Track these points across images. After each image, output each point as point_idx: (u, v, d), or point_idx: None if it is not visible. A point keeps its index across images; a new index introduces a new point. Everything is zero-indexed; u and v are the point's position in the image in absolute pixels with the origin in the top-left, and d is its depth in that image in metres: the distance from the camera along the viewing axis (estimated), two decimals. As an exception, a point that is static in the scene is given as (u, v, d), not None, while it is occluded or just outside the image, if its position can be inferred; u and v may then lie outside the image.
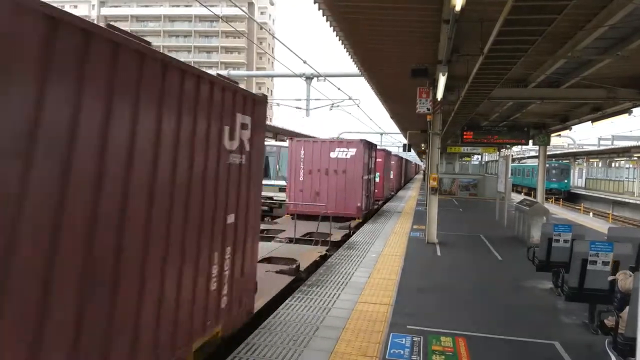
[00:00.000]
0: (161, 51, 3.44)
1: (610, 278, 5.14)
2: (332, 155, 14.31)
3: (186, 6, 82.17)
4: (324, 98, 26.08)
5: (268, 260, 8.33)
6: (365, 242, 11.14)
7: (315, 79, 24.11)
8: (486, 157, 37.52)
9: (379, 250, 10.26)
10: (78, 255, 2.59)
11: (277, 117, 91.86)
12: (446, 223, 13.88)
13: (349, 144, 14.40)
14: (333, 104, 26.19)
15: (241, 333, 5.15)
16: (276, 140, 23.31)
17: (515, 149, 54.24)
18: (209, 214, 4.06)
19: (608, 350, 4.25)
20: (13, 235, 2.20)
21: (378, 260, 9.24)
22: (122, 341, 3.01)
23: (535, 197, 22.22)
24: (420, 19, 7.97)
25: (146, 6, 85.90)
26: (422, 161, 68.51)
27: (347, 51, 10.41)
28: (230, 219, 4.48)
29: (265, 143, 12.99)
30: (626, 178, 35.12)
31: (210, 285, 4.16)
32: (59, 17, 2.42)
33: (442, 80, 9.47)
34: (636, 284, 3.80)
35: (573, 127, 18.70)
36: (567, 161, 46.19)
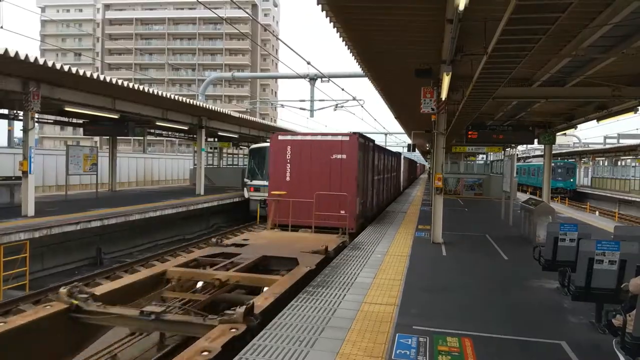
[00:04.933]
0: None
1: (623, 285, 5.10)
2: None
3: (190, 9, 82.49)
4: (328, 99, 26.17)
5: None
6: (370, 242, 11.13)
7: (319, 79, 24.17)
8: (491, 157, 37.41)
9: (384, 250, 10.25)
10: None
11: (282, 118, 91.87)
12: (451, 223, 13.85)
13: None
14: (337, 104, 26.23)
15: (245, 334, 5.17)
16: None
17: (521, 148, 54.11)
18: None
19: (616, 350, 4.23)
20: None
21: (383, 260, 9.23)
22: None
23: (541, 196, 22.13)
24: (424, 19, 7.96)
25: (150, 9, 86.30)
26: (426, 161, 67.75)
27: (350, 52, 10.42)
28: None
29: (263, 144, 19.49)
30: (632, 176, 34.90)
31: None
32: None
33: (446, 80, 9.45)
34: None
35: (578, 125, 18.61)
36: (573, 160, 45.97)
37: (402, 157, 32.48)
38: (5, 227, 11.14)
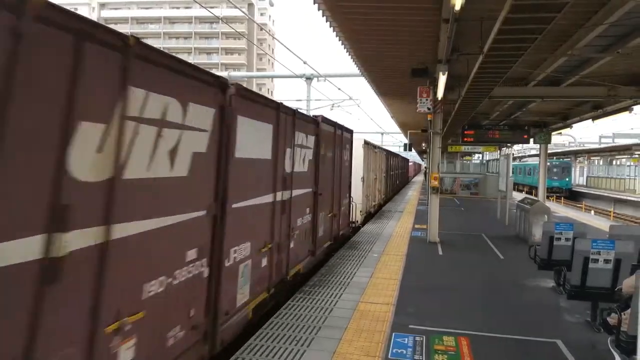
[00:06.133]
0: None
1: (617, 289, 5.13)
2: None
3: (186, 8, 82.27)
4: (324, 98, 26.12)
5: None
6: (366, 242, 11.14)
7: (316, 79, 24.14)
8: (487, 156, 37.50)
9: (380, 249, 10.26)
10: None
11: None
12: (448, 222, 13.87)
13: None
14: (334, 104, 26.22)
15: (244, 334, 5.15)
16: None
17: (516, 147, 54.27)
18: None
19: (611, 349, 4.25)
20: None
21: (380, 259, 9.24)
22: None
23: (536, 195, 22.20)
24: (420, 19, 7.97)
25: (146, 8, 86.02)
26: (423, 160, 67.46)
27: (347, 51, 10.42)
28: None
29: None
30: (627, 176, 35.08)
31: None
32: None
33: (442, 79, 9.46)
34: (637, 283, 3.79)
35: (574, 125, 18.69)
36: (568, 159, 46.15)
37: (360, 147, 13.90)
38: None
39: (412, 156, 63.96)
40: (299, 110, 7.36)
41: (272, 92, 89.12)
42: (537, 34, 6.09)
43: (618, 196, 31.87)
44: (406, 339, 5.10)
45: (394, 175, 28.18)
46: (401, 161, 36.69)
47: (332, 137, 9.30)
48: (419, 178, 59.53)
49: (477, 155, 39.76)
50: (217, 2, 68.41)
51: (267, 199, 5.70)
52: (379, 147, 19.12)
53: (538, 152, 24.79)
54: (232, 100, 4.51)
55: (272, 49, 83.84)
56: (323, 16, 8.03)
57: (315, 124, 8.06)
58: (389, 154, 24.62)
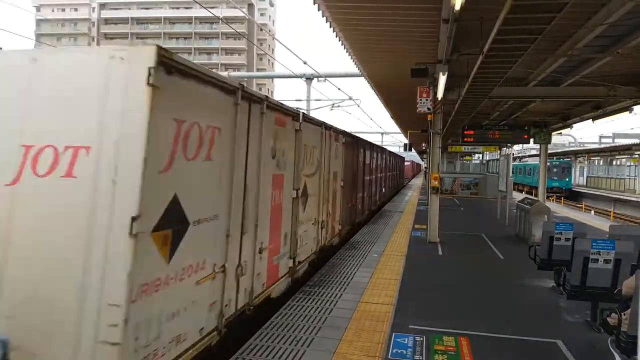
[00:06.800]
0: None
1: (616, 291, 5.14)
2: None
3: (186, 8, 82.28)
4: (324, 98, 26.12)
5: None
6: (366, 242, 11.13)
7: (316, 79, 24.15)
8: (487, 156, 37.50)
9: (380, 249, 10.26)
10: None
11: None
12: (447, 222, 13.86)
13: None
14: (334, 104, 26.23)
15: (243, 334, 5.16)
16: None
17: (517, 147, 54.29)
18: None
19: (611, 349, 4.25)
20: None
21: (380, 259, 9.24)
22: None
23: (536, 195, 22.21)
24: (420, 19, 7.98)
25: (146, 9, 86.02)
26: (422, 160, 67.36)
27: (346, 51, 10.43)
28: None
29: None
30: (627, 176, 35.08)
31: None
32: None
33: (442, 79, 9.47)
34: (637, 283, 3.80)
35: (574, 125, 18.71)
36: (569, 159, 46.15)
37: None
38: None
39: (412, 155, 63.70)
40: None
41: (272, 92, 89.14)
42: (536, 34, 6.09)
43: (618, 196, 31.88)
44: (406, 339, 5.10)
45: (379, 179, 17.97)
46: (393, 160, 25.42)
47: None
48: (417, 181, 48.75)
49: (477, 155, 39.77)
50: (217, 2, 68.46)
51: None
52: (331, 127, 8.88)
53: (538, 152, 24.80)
54: None
55: (272, 49, 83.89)
56: (323, 16, 8.04)
57: None
58: (364, 146, 13.76)
